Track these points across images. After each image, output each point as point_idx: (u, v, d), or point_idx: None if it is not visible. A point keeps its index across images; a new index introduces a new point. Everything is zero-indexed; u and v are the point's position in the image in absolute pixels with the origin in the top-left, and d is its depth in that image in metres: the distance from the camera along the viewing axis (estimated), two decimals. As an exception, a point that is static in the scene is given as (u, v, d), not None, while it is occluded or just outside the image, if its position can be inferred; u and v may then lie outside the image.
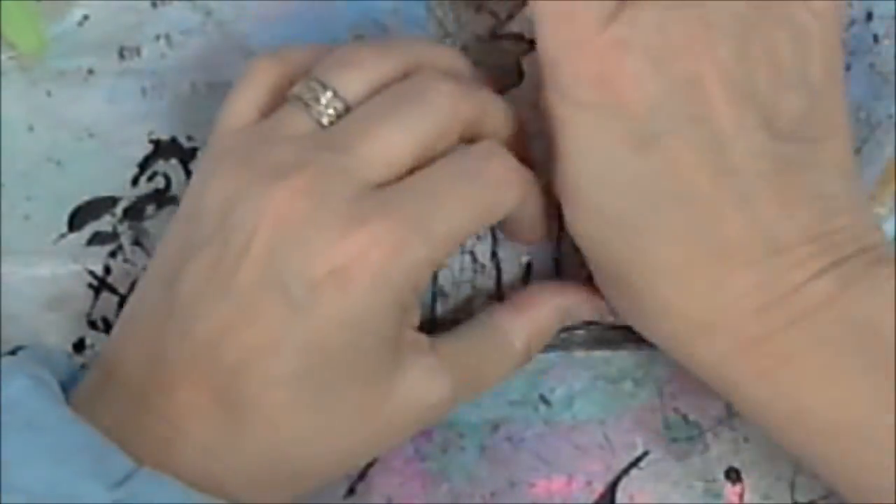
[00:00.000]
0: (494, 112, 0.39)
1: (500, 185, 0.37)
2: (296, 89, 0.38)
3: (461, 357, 0.39)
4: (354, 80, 0.37)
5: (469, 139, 0.38)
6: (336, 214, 0.35)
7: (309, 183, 0.35)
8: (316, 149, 0.36)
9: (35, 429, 0.33)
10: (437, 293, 0.43)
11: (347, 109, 0.37)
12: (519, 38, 0.43)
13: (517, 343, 0.40)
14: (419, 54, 0.39)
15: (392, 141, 0.36)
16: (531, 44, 0.43)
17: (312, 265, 0.35)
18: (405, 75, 0.38)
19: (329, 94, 0.37)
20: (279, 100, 0.38)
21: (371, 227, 0.35)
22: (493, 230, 0.43)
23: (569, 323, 0.42)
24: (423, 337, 0.38)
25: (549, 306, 0.41)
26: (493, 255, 0.43)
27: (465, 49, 0.43)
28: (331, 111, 0.37)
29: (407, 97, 0.37)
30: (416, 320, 0.38)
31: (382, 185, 0.36)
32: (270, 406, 0.35)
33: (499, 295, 0.43)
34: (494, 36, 0.43)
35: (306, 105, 0.37)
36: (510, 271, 0.43)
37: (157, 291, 0.37)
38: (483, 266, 0.43)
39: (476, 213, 0.37)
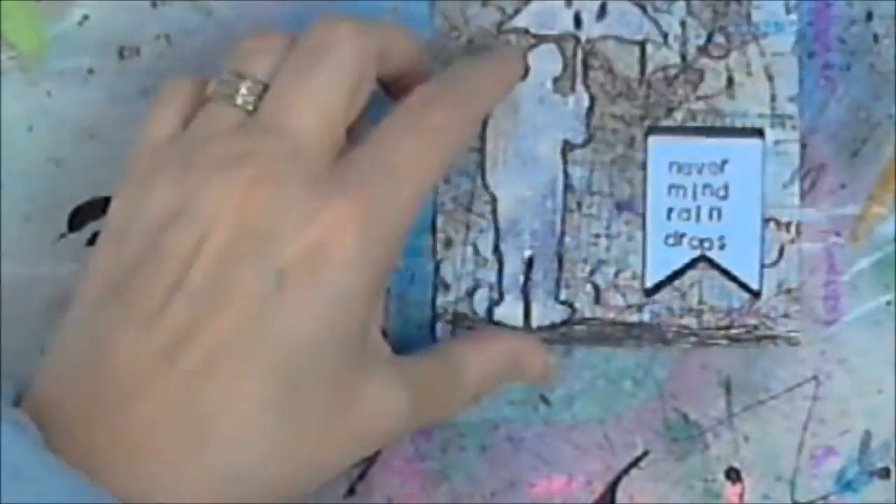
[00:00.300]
0: (399, 35, 0.38)
1: (445, 131, 0.37)
2: (212, 88, 0.37)
3: (419, 376, 0.38)
4: (265, 61, 0.37)
5: (392, 72, 0.38)
6: (298, 198, 0.34)
7: (259, 171, 0.34)
8: (252, 136, 0.35)
9: (22, 478, 0.32)
10: (438, 285, 0.43)
11: (266, 90, 0.37)
12: (525, 32, 0.43)
13: (470, 373, 0.39)
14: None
15: (317, 104, 0.36)
16: (537, 38, 0.43)
17: (282, 252, 0.34)
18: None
19: (248, 81, 0.36)
20: (198, 111, 0.37)
21: (336, 206, 0.34)
22: (496, 223, 0.43)
23: (517, 375, 0.41)
24: (384, 344, 0.37)
25: (503, 347, 0.40)
26: (496, 248, 0.43)
27: (470, 43, 0.43)
28: (252, 97, 0.36)
29: (312, 54, 0.36)
30: (380, 317, 0.37)
31: (333, 155, 0.35)
32: (234, 416, 0.34)
33: (500, 289, 0.43)
34: (501, 30, 0.43)
35: (228, 98, 0.36)
36: (512, 264, 0.43)
37: (95, 313, 0.35)
38: (485, 259, 0.43)
39: (434, 164, 0.37)
